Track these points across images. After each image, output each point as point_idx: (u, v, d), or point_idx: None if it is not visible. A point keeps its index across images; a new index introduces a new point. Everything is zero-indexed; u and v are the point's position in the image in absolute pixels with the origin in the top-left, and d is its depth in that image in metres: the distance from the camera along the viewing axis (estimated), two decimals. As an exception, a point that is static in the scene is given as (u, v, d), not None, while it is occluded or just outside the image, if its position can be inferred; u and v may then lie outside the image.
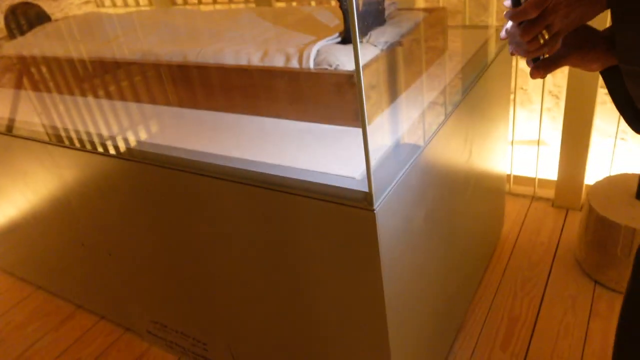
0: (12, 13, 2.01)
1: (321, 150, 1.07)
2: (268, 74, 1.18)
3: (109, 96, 1.54)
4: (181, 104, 1.39)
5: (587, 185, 2.11)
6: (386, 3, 1.38)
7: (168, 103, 1.42)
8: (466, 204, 1.43)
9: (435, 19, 1.36)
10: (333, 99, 1.12)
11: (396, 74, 1.20)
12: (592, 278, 1.70)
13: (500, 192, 1.91)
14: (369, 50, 1.15)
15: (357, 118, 1.11)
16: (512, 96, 2.34)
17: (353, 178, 0.95)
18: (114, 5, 2.96)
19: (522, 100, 2.53)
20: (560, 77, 2.40)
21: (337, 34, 1.20)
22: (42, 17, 2.02)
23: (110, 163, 1.27)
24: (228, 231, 1.15)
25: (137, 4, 2.86)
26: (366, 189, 0.90)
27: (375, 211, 0.88)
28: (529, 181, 2.27)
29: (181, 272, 1.38)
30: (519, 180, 2.31)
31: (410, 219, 1.04)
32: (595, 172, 2.30)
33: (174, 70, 1.34)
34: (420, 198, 1.07)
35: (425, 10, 1.39)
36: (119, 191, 1.32)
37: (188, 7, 2.66)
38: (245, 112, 1.28)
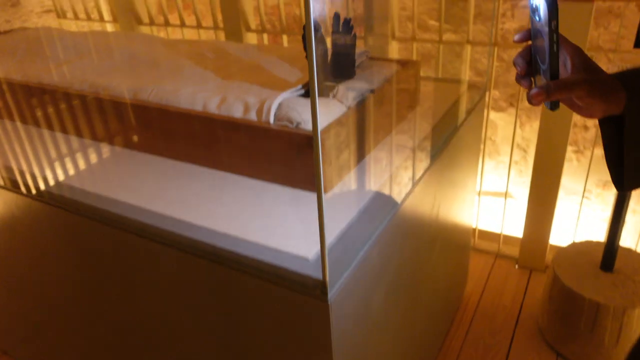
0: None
1: (276, 217, 0.95)
2: (225, 123, 1.07)
3: (43, 126, 1.39)
4: (124, 144, 1.26)
5: (551, 246, 2.07)
6: (357, 52, 1.29)
7: (110, 141, 1.28)
8: (431, 265, 1.34)
9: (408, 72, 1.28)
10: (293, 159, 1.01)
11: (363, 134, 1.11)
12: (555, 350, 1.63)
13: (466, 248, 1.84)
14: (335, 107, 1.05)
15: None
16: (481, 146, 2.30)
17: (306, 259, 0.83)
18: (76, 17, 2.80)
19: (490, 152, 2.49)
20: (529, 130, 2.38)
21: (300, 86, 1.09)
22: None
23: (32, 205, 1.12)
24: (164, 299, 1.01)
25: (100, 18, 2.71)
26: (320, 275, 0.79)
27: (329, 302, 0.77)
28: (494, 237, 2.22)
29: (112, 336, 1.23)
30: (484, 235, 2.25)
31: (369, 301, 0.93)
32: (559, 231, 2.27)
33: (122, 106, 1.21)
34: (381, 274, 0.97)
35: (397, 62, 1.31)
36: (43, 237, 1.17)
37: (154, 27, 2.53)
38: (196, 162, 1.16)
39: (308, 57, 0.62)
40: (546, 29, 0.56)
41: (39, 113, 1.40)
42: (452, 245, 1.57)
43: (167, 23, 2.46)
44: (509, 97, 2.38)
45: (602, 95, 0.57)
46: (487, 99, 2.04)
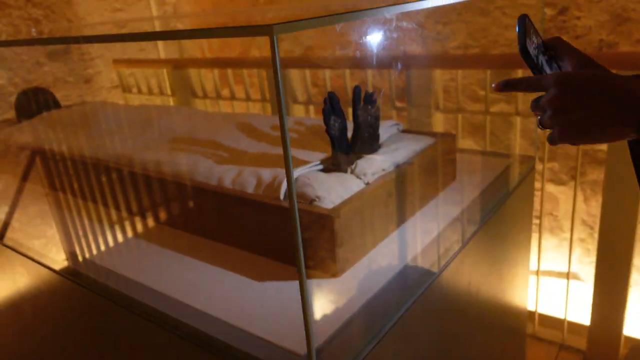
0: (23, 97, 1.99)
1: (280, 304, 0.87)
2: (236, 199, 1.02)
3: (69, 196, 1.42)
4: (141, 217, 1.24)
5: (626, 337, 1.80)
6: (387, 124, 1.23)
7: (131, 214, 1.27)
8: (474, 352, 1.18)
9: (443, 145, 1.20)
10: (304, 240, 0.94)
11: (387, 211, 1.02)
12: None
13: (521, 335, 1.63)
14: (351, 183, 0.98)
15: (328, 268, 0.92)
16: (537, 222, 2.12)
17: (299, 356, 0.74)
18: (139, 92, 2.98)
19: (552, 227, 2.29)
20: (595, 205, 2.17)
21: (319, 161, 1.04)
22: (51, 103, 1.99)
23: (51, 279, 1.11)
24: (161, 387, 0.94)
25: (160, 92, 2.87)
26: (314, 377, 0.69)
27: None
28: (558, 323, 1.97)
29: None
30: (546, 321, 2.02)
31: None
32: (635, 321, 1.99)
33: (141, 178, 1.21)
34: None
35: (431, 134, 1.23)
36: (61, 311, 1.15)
37: (207, 100, 2.63)
38: (209, 237, 1.11)
39: (276, 87, 0.56)
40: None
41: (66, 183, 1.44)
42: (502, 331, 1.40)
43: (218, 96, 2.55)
44: (570, 170, 2.20)
45: (576, 97, 0.54)
46: (541, 170, 1.89)
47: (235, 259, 1.02)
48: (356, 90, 1.03)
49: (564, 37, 1.93)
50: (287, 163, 0.57)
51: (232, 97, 2.51)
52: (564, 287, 2.17)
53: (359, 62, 2.14)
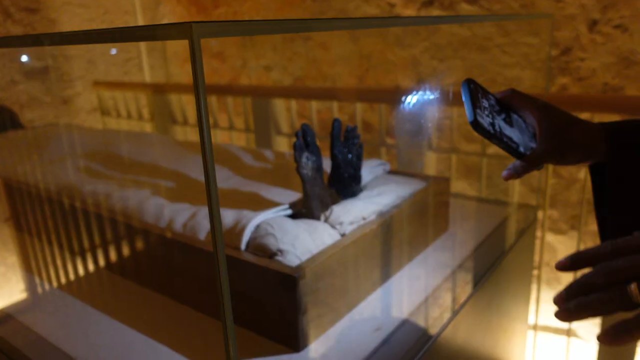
0: (-19, 115, 1.83)
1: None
2: (186, 246, 0.85)
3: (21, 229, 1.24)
4: (76, 258, 1.07)
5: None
6: (372, 163, 1.08)
7: (63, 250, 1.10)
8: None
9: (434, 191, 1.04)
10: (263, 303, 0.77)
11: (361, 270, 0.85)
12: None
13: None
14: (324, 233, 0.81)
15: (289, 340, 0.74)
16: (534, 272, 1.96)
17: None
18: (118, 115, 2.84)
19: (549, 279, 2.12)
20: (596, 258, 2.01)
21: (287, 205, 0.88)
22: (8, 123, 1.83)
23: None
24: None
25: (139, 117, 2.72)
26: None
27: None
28: (555, 389, 1.79)
29: None
30: (542, 385, 1.83)
31: None
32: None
33: (82, 212, 1.04)
34: None
35: (421, 177, 1.08)
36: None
37: (188, 127, 2.49)
38: (152, 288, 0.94)
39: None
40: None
41: (14, 211, 1.26)
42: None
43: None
44: (570, 219, 2.06)
45: (572, 157, 0.60)
46: (542, 219, 1.74)
47: (178, 318, 0.85)
48: (335, 124, 0.88)
49: (567, 79, 1.79)
50: (211, 198, 0.41)
51: (215, 126, 2.36)
52: (563, 344, 1.99)
53: (349, 95, 2.02)
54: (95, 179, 1.18)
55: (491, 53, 2.06)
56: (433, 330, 0.81)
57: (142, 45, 3.13)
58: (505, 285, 1.11)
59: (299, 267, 0.72)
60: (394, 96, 1.88)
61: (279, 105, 2.12)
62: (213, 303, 0.84)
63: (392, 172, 1.12)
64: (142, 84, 2.91)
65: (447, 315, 0.85)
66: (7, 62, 2.58)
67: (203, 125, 0.38)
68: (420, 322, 0.82)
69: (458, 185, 2.11)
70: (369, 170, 1.05)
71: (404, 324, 0.81)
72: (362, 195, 0.94)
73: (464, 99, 0.56)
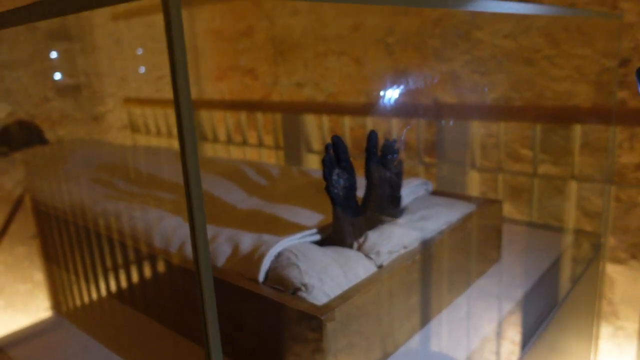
0: (4, 130, 1.80)
1: None
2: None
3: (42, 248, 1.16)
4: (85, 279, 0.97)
5: None
6: (413, 183, 0.95)
7: (70, 273, 1.00)
8: None
9: (485, 214, 0.90)
10: (279, 348, 0.65)
11: (400, 310, 0.72)
12: None
13: None
14: (357, 265, 0.69)
15: (311, 392, 0.62)
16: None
17: None
18: (148, 133, 2.80)
19: (605, 314, 1.91)
20: (661, 292, 1.80)
21: (315, 230, 0.76)
22: (35, 139, 1.79)
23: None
24: None
25: (169, 134, 2.67)
26: None
27: None
28: None
29: None
30: None
31: None
32: None
33: (92, 234, 0.94)
34: None
35: (471, 199, 0.95)
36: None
37: (218, 144, 2.42)
38: (160, 321, 0.83)
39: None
40: None
41: (38, 229, 1.19)
42: None
43: (229, 141, 2.33)
44: (630, 247, 1.85)
45: None
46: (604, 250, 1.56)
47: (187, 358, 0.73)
48: (371, 136, 0.76)
49: (625, 93, 1.62)
50: (193, 214, 0.30)
51: (244, 143, 2.28)
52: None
53: (384, 111, 1.90)
54: (111, 196, 1.09)
55: (539, 66, 1.91)
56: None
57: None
58: (568, 325, 0.96)
59: (327, 307, 0.60)
60: (432, 112, 1.75)
61: (310, 121, 2.03)
62: (234, 344, 0.72)
63: (435, 193, 0.98)
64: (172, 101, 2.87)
65: (504, 366, 0.71)
66: (40, 79, 2.58)
67: (184, 102, 0.27)
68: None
69: (504, 209, 1.95)
70: (410, 190, 0.92)
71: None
72: (402, 219, 0.81)
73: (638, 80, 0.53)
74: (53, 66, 2.60)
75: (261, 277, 0.68)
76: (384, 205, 0.80)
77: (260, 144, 2.20)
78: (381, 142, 0.80)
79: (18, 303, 2.14)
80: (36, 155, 1.64)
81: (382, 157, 0.79)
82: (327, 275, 0.65)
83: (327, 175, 0.71)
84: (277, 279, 0.67)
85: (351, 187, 0.74)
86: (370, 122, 1.92)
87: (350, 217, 0.74)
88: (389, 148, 0.79)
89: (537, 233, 1.17)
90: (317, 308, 0.59)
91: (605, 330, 1.91)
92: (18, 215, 1.82)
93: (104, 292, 0.97)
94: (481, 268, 0.92)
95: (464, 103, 1.96)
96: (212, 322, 0.34)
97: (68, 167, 1.43)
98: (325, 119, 1.97)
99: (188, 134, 0.29)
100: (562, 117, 1.45)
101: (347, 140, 1.98)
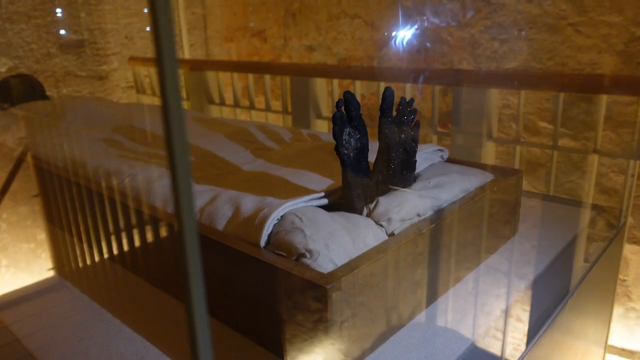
0: (5, 83, 1.74)
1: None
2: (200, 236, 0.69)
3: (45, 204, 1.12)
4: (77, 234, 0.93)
5: None
6: (428, 148, 0.89)
7: (64, 228, 0.96)
8: None
9: (504, 185, 0.84)
10: (281, 319, 0.60)
11: (411, 281, 0.67)
12: None
13: None
14: (367, 231, 0.63)
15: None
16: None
17: None
18: (154, 93, 2.73)
19: (617, 294, 1.87)
20: (675, 274, 1.74)
21: (322, 193, 0.70)
22: (37, 94, 1.73)
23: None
24: None
25: (175, 96, 2.59)
26: None
27: None
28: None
29: None
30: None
31: None
32: None
33: (87, 190, 0.89)
34: None
35: (489, 168, 0.88)
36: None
37: (224, 107, 2.35)
38: (152, 282, 0.78)
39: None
40: None
41: (40, 184, 1.14)
42: None
43: (236, 104, 2.26)
44: (647, 227, 1.79)
45: None
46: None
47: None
48: (387, 93, 0.70)
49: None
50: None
51: (251, 107, 2.21)
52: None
53: (398, 76, 1.82)
54: (108, 152, 1.04)
55: (563, 33, 1.80)
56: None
57: (183, 22, 3.01)
58: (585, 306, 0.90)
59: (333, 275, 0.55)
60: (449, 79, 1.66)
61: (320, 86, 1.95)
62: (234, 312, 0.68)
63: (451, 161, 0.92)
64: (180, 61, 2.79)
65: (521, 343, 0.66)
66: (43, 34, 2.50)
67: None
68: (491, 349, 0.63)
69: (516, 183, 1.88)
70: (424, 156, 0.86)
71: (468, 353, 0.62)
72: (416, 186, 0.75)
73: None
74: (55, 20, 2.51)
75: (263, 241, 0.63)
76: (398, 170, 0.74)
77: (268, 108, 2.13)
78: (396, 102, 0.74)
79: (21, 262, 2.13)
80: (37, 112, 1.58)
81: (397, 118, 0.72)
82: (334, 241, 0.59)
83: (337, 134, 0.64)
84: (280, 243, 0.61)
85: (363, 148, 0.68)
86: (382, 88, 1.84)
87: (361, 180, 0.68)
88: (406, 108, 0.72)
89: (554, 207, 1.11)
90: (322, 276, 0.54)
91: (616, 312, 1.86)
92: (20, 173, 1.78)
93: (104, 254, 0.93)
94: (497, 242, 0.86)
95: (482, 71, 1.87)
96: (196, 283, 0.28)
97: (68, 124, 1.38)
98: (336, 83, 1.89)
99: (171, 82, 0.23)
100: (586, 87, 1.37)
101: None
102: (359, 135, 0.67)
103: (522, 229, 0.93)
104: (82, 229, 0.98)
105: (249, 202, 0.70)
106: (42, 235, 1.48)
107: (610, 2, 1.69)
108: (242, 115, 2.31)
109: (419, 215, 0.68)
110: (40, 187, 1.29)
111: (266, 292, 0.60)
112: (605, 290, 1.03)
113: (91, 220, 0.92)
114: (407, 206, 0.67)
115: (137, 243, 0.82)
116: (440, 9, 2.04)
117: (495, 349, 0.64)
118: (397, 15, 2.16)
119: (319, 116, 1.94)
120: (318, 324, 0.54)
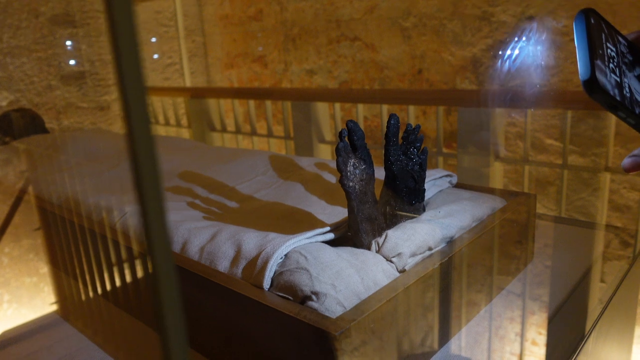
0: (5, 117, 1.73)
1: None
2: (199, 278, 0.65)
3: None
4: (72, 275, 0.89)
5: None
6: (435, 174, 0.85)
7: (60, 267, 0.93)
8: None
9: (515, 210, 0.80)
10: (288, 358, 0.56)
11: (423, 318, 0.63)
12: None
13: None
14: (376, 269, 0.60)
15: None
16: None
17: None
18: (156, 122, 2.72)
19: (638, 315, 1.80)
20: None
21: (327, 227, 0.66)
22: (37, 127, 1.72)
23: None
24: None
25: (178, 123, 2.59)
26: None
27: None
28: None
29: None
30: None
31: None
32: None
33: (83, 228, 0.86)
34: None
35: (499, 193, 0.85)
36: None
37: (226, 134, 2.33)
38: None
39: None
40: None
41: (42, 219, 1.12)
42: None
43: (238, 131, 2.24)
44: (662, 243, 1.74)
45: None
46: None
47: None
48: (392, 121, 0.67)
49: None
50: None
51: (253, 133, 2.19)
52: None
53: (401, 98, 1.79)
54: (110, 187, 1.01)
55: (567, 49, 1.78)
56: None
57: (184, 50, 3.02)
58: (609, 331, 0.86)
59: (342, 320, 0.51)
60: (452, 100, 1.64)
61: (322, 110, 1.93)
62: (231, 356, 0.64)
63: (459, 186, 0.89)
64: (180, 89, 2.79)
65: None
66: (44, 67, 2.51)
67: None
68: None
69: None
70: (432, 182, 0.82)
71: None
72: (426, 215, 0.71)
73: (576, 41, 0.35)
74: (57, 53, 2.52)
75: (266, 284, 0.59)
76: (406, 200, 0.70)
77: (270, 134, 2.11)
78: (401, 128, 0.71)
79: (24, 297, 2.09)
80: (38, 145, 1.57)
81: (403, 145, 0.69)
82: (342, 281, 0.56)
83: (341, 166, 0.61)
84: (284, 285, 0.58)
85: (369, 179, 0.65)
86: (385, 111, 1.82)
87: (368, 213, 0.64)
88: (412, 135, 0.69)
89: (568, 230, 1.07)
90: (330, 321, 0.50)
91: (636, 332, 1.80)
92: (22, 207, 1.76)
93: (100, 291, 0.89)
94: (513, 271, 0.82)
95: (485, 89, 1.85)
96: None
97: (68, 157, 1.36)
98: (338, 107, 1.87)
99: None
100: (592, 104, 1.34)
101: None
102: (364, 166, 0.64)
103: (538, 255, 0.89)
104: (84, 262, 0.95)
105: (251, 240, 0.67)
106: (44, 269, 1.45)
107: (613, 18, 1.67)
108: (244, 142, 2.29)
109: (430, 248, 0.65)
110: (41, 221, 1.27)
111: (271, 337, 0.57)
112: (627, 312, 0.99)
113: (92, 256, 0.89)
114: (417, 239, 0.63)
115: (133, 282, 0.78)
116: (441, 29, 2.03)
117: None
118: (398, 36, 2.15)
119: (322, 140, 1.91)
120: (327, 373, 0.50)
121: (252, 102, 2.18)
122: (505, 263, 0.79)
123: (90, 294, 0.93)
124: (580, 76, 0.34)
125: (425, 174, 0.71)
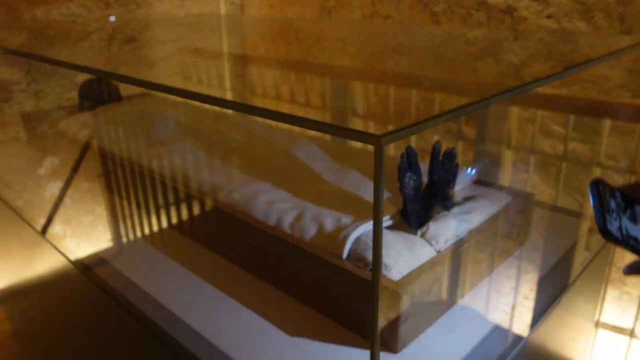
0: (86, 85, 2.00)
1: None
2: (291, 246, 0.96)
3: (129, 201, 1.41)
4: (189, 236, 1.21)
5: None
6: (462, 174, 1.14)
7: (173, 231, 1.24)
8: None
9: (519, 207, 1.10)
10: (359, 309, 0.87)
11: (452, 282, 0.94)
12: None
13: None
14: (421, 249, 0.90)
15: (388, 344, 0.85)
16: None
17: None
18: (200, 82, 2.96)
19: (613, 279, 2.12)
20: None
21: (389, 216, 0.96)
22: (112, 94, 1.99)
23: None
24: None
25: (220, 86, 2.83)
26: None
27: None
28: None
29: None
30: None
31: None
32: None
33: (193, 201, 1.17)
34: None
35: (506, 192, 1.14)
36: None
37: (266, 100, 2.58)
38: (257, 275, 1.06)
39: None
40: None
41: (122, 184, 1.44)
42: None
43: (277, 96, 2.49)
44: (643, 222, 2.03)
45: None
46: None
47: (283, 306, 0.97)
48: (436, 146, 0.95)
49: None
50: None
51: (292, 100, 2.44)
52: (624, 345, 2.02)
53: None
54: (198, 167, 1.30)
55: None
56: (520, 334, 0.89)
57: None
58: (581, 286, 1.18)
59: (402, 283, 0.82)
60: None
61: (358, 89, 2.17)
62: (324, 305, 0.95)
63: (477, 182, 1.17)
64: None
65: (526, 319, 0.93)
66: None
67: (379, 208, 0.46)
68: (513, 325, 0.91)
69: (531, 179, 2.11)
70: (458, 180, 1.11)
71: (493, 329, 0.89)
72: (454, 212, 1.01)
73: (592, 203, 0.53)
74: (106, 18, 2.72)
75: (345, 254, 0.90)
76: (440, 200, 1.00)
77: (307, 104, 2.36)
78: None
79: (82, 233, 2.43)
80: (113, 110, 1.85)
81: (443, 161, 0.98)
82: (401, 257, 0.86)
83: (401, 179, 0.90)
84: (358, 258, 0.88)
85: (418, 186, 0.94)
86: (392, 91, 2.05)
87: (416, 210, 0.94)
88: (450, 155, 0.97)
89: (563, 218, 1.37)
90: (395, 284, 0.81)
91: (611, 294, 2.13)
92: (86, 158, 2.05)
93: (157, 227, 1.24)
94: (513, 248, 1.12)
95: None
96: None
97: (134, 119, 1.66)
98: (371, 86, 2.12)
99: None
100: (599, 110, 1.59)
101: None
102: (415, 177, 0.93)
103: (532, 236, 1.19)
104: (136, 206, 1.29)
105: (329, 220, 0.97)
106: (100, 210, 1.76)
107: (620, 24, 1.88)
108: (282, 108, 2.53)
109: (457, 236, 0.95)
110: (103, 170, 1.58)
111: (350, 292, 0.87)
112: (600, 273, 1.31)
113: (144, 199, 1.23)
114: (449, 230, 0.93)
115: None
116: (468, 17, 2.23)
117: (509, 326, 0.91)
118: (428, 19, 2.35)
119: (355, 114, 2.17)
120: (393, 316, 0.81)
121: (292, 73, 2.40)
122: (507, 243, 1.09)
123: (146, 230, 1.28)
124: (597, 226, 0.52)
125: (455, 182, 1.00)
